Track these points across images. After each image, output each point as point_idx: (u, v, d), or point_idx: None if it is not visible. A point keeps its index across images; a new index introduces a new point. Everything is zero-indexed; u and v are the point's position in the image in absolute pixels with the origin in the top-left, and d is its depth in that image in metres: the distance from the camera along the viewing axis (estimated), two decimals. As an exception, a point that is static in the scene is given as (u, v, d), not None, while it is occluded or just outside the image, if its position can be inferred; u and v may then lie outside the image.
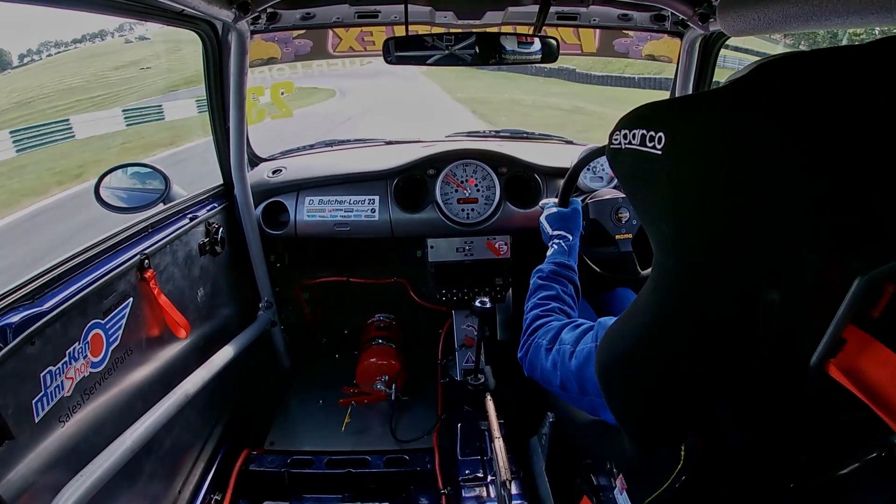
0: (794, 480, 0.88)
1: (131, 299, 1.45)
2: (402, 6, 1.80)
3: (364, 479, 2.01)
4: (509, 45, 1.76)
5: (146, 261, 1.50)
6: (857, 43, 0.66)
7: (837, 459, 0.84)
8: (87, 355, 1.27)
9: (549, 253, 1.56)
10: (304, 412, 2.36)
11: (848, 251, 0.64)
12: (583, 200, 2.01)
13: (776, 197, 0.67)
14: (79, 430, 1.24)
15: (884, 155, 0.62)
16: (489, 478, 1.77)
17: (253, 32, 1.85)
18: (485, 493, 1.73)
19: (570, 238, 1.59)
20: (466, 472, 1.80)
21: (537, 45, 1.77)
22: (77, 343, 1.24)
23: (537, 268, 1.51)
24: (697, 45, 2.01)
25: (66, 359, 1.20)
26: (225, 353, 1.86)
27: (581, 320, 1.33)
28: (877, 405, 0.61)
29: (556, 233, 1.60)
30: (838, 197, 0.64)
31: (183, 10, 1.47)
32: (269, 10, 1.81)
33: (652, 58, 2.37)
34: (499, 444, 1.64)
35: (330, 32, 2.30)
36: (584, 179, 2.19)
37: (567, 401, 1.40)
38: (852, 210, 0.64)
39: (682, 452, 0.95)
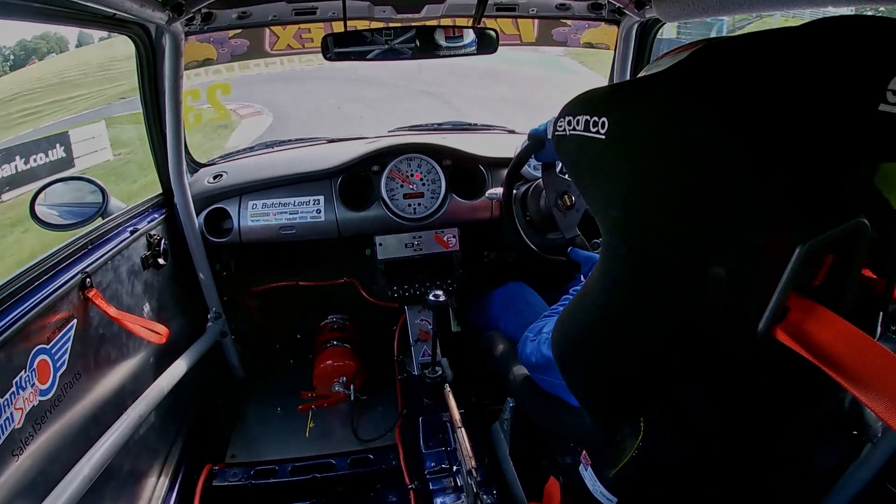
0: (753, 443, 0.92)
1: (75, 321, 1.38)
2: (340, 2, 1.77)
3: (330, 482, 1.99)
4: (449, 37, 1.77)
5: (87, 279, 1.43)
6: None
7: (792, 419, 0.89)
8: (34, 383, 1.20)
9: None
10: (264, 421, 2.30)
11: (788, 224, 0.68)
12: (523, 194, 2.03)
13: (716, 177, 0.70)
14: (34, 462, 1.17)
15: (817, 133, 0.66)
16: (454, 468, 1.79)
17: (187, 34, 1.77)
18: (452, 484, 1.74)
19: None
20: (432, 464, 1.81)
21: (476, 36, 1.79)
22: (23, 371, 1.17)
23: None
24: (634, 31, 2.07)
25: (14, 389, 1.13)
26: (176, 369, 1.79)
27: None
28: (825, 364, 0.65)
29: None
30: (777, 174, 0.67)
31: (115, 13, 1.40)
32: (203, 11, 1.74)
33: (590, 45, 2.43)
34: (461, 434, 1.66)
35: (267, 31, 2.25)
36: (528, 168, 2.21)
37: (548, 388, 1.43)
38: (790, 186, 0.68)
39: (642, 424, 0.99)
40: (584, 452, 1.22)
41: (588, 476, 1.18)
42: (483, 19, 1.82)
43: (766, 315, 0.70)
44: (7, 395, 1.10)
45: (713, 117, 0.69)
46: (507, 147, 2.31)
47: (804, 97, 0.66)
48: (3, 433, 1.08)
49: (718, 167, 0.69)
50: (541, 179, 2.02)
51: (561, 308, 1.57)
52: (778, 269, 0.68)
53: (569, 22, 2.40)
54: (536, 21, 2.45)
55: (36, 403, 1.20)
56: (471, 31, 1.81)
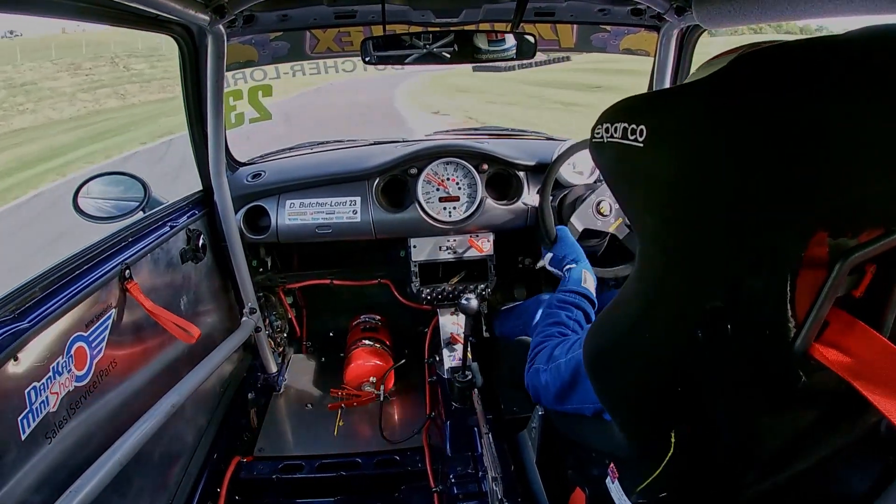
0: (781, 464, 0.89)
1: (114, 310, 1.43)
2: (380, 5, 1.79)
3: (355, 480, 2.01)
4: (487, 42, 1.77)
5: (127, 270, 1.48)
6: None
7: (823, 440, 0.85)
8: (71, 369, 1.24)
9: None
10: (293, 417, 2.34)
11: (830, 236, 0.66)
12: (559, 203, 2.03)
13: (756, 187, 0.68)
14: (66, 445, 1.22)
15: (864, 142, 0.63)
16: (480, 473, 1.77)
17: (229, 36, 1.82)
18: (476, 489, 1.73)
19: (576, 265, 1.65)
20: (457, 468, 1.79)
21: (515, 41, 1.78)
22: (61, 357, 1.21)
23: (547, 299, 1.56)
24: (674, 38, 2.03)
25: (51, 374, 1.17)
26: (210, 362, 1.83)
27: (574, 336, 1.36)
28: (862, 384, 0.63)
29: (566, 268, 1.67)
30: (820, 185, 0.65)
31: (158, 15, 1.45)
32: (245, 13, 1.79)
33: (629, 52, 2.39)
34: (488, 440, 1.64)
35: (307, 34, 2.29)
36: (564, 174, 2.20)
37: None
38: (834, 197, 0.65)
39: (673, 439, 0.96)
40: (611, 465, 1.19)
41: (615, 489, 1.15)
42: (521, 24, 1.81)
43: (805, 330, 0.67)
44: (44, 380, 1.15)
45: (755, 126, 0.67)
46: (544, 153, 2.30)
47: (852, 105, 0.64)
48: (37, 416, 1.12)
49: (758, 177, 0.67)
50: (577, 186, 2.01)
51: (577, 335, 1.55)
52: (817, 283, 0.66)
53: (608, 27, 2.38)
54: (575, 26, 2.43)
55: (71, 389, 1.25)
56: (509, 35, 1.80)
